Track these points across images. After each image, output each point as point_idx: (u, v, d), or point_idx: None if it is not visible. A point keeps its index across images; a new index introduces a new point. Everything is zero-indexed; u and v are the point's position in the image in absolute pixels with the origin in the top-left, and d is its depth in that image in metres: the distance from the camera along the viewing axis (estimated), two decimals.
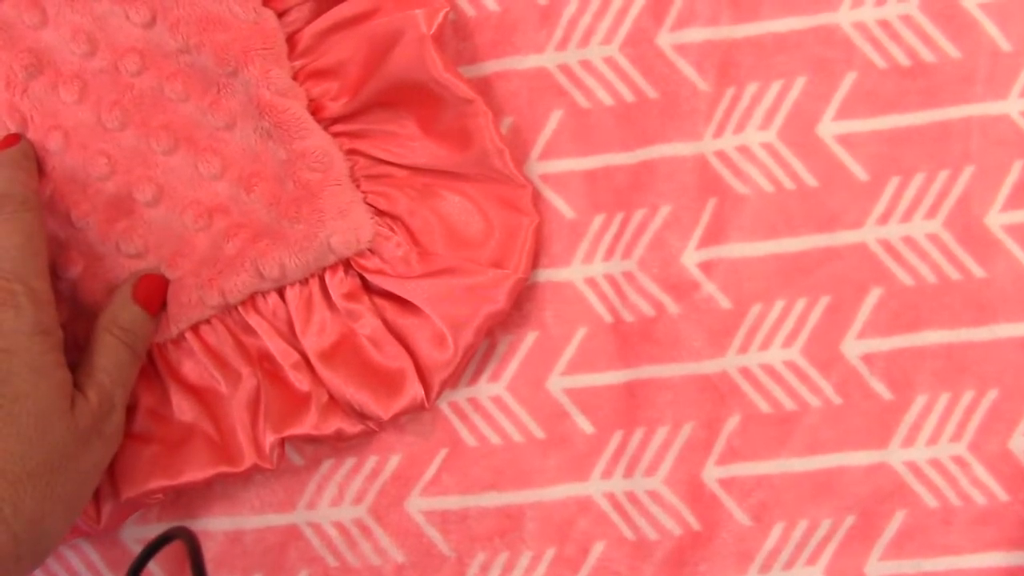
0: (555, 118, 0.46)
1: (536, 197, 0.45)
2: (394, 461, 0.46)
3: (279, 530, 0.46)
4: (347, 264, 0.44)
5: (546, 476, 0.45)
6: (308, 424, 0.44)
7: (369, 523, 0.46)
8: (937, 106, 0.45)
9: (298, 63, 0.44)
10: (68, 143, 0.44)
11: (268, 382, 0.44)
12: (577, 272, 0.46)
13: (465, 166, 0.44)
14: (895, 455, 0.44)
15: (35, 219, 0.41)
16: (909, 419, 0.44)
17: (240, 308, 0.44)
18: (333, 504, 0.46)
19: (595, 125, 0.46)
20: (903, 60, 0.45)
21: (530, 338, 0.46)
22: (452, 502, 0.46)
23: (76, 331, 0.44)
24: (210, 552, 0.46)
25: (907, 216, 0.45)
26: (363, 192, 0.44)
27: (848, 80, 0.45)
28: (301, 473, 0.46)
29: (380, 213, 0.44)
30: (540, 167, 0.46)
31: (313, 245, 0.43)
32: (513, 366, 0.46)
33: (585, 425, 0.46)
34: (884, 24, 0.45)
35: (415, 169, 0.44)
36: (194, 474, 0.44)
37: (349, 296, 0.44)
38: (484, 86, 0.46)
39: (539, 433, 0.46)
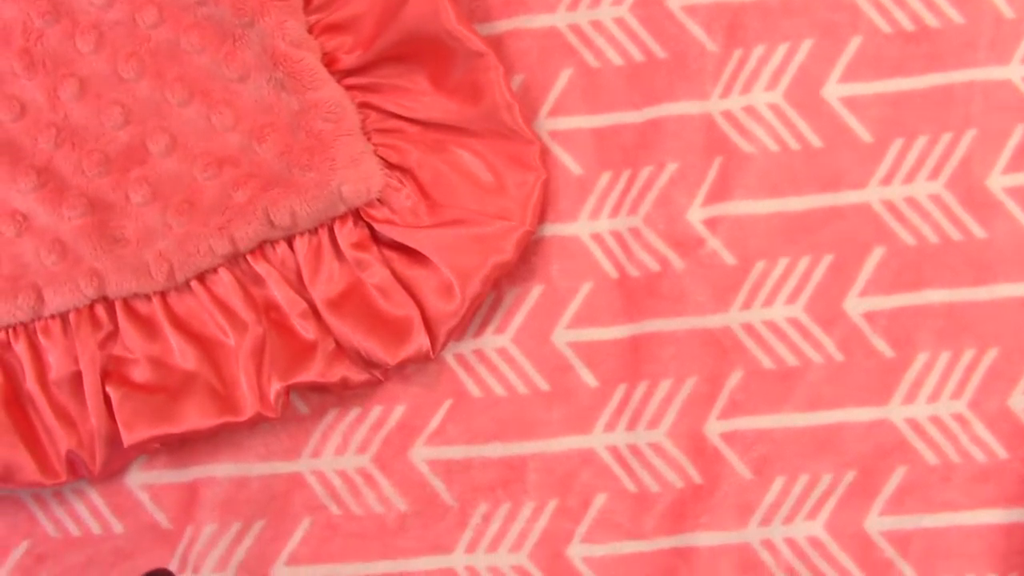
0: (565, 76, 0.45)
1: (544, 153, 0.44)
2: (399, 411, 0.45)
3: (283, 478, 0.45)
4: (356, 215, 0.43)
5: (549, 428, 0.44)
6: (314, 372, 0.43)
7: (373, 472, 0.45)
8: (940, 70, 0.44)
9: (313, 17, 0.43)
10: (83, 91, 0.43)
11: (274, 331, 0.43)
12: (584, 227, 0.45)
13: (475, 121, 0.43)
14: (896, 412, 0.43)
15: None
16: (910, 376, 0.43)
17: (249, 257, 0.43)
18: (337, 453, 0.45)
19: (604, 84, 0.45)
20: (908, 25, 0.44)
21: (536, 291, 0.45)
22: (456, 452, 0.44)
23: (75, 275, 0.43)
24: (216, 498, 0.45)
25: (910, 177, 0.44)
26: (374, 145, 0.43)
27: (853, 44, 0.44)
28: (306, 422, 0.45)
29: (390, 166, 0.43)
30: (549, 124, 0.45)
31: (324, 193, 0.42)
32: (519, 319, 0.45)
33: (589, 378, 0.44)
34: None
35: (426, 124, 0.43)
36: (197, 422, 0.43)
37: (358, 246, 0.43)
38: (496, 44, 0.46)
39: (543, 385, 0.44)
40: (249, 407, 0.43)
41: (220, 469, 0.45)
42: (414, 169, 0.43)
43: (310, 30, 0.43)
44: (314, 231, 0.43)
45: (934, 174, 0.44)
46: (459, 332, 0.44)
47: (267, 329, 0.43)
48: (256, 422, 0.43)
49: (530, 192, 0.43)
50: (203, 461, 0.45)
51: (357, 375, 0.43)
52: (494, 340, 0.45)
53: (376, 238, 0.44)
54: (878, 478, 0.43)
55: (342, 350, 0.43)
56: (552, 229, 0.45)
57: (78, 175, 0.43)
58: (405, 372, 0.45)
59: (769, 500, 0.43)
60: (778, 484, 0.43)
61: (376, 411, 0.45)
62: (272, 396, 0.43)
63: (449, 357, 0.45)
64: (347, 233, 0.43)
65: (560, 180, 0.45)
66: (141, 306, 0.43)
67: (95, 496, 0.45)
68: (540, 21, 0.45)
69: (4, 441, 0.43)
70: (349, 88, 0.43)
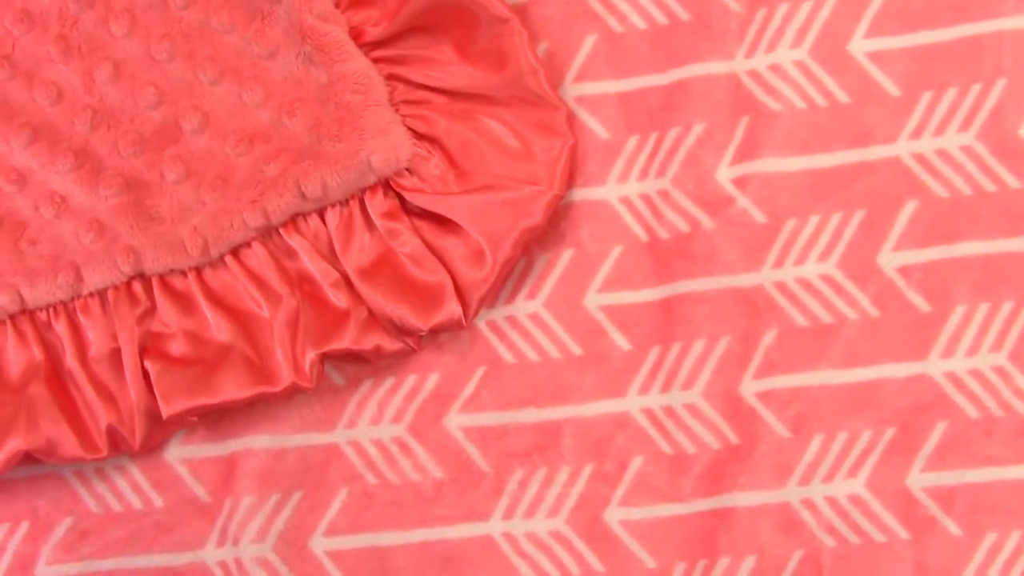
0: (589, 42, 0.45)
1: (571, 118, 0.43)
2: (433, 379, 0.44)
3: (320, 448, 0.44)
4: (386, 185, 0.43)
5: (583, 392, 0.43)
6: (347, 340, 0.43)
7: (408, 440, 0.44)
8: (967, 21, 0.43)
9: None
10: (118, 74, 0.43)
11: (308, 302, 0.43)
12: (612, 191, 0.44)
13: (501, 88, 0.43)
14: (935, 366, 0.42)
15: None
16: (948, 330, 0.42)
17: (281, 230, 0.43)
18: (373, 423, 0.44)
19: (628, 48, 0.45)
20: None
21: (566, 256, 0.44)
22: (490, 419, 0.44)
23: (113, 253, 0.43)
24: (254, 470, 0.44)
25: (940, 130, 0.43)
26: (402, 116, 0.43)
27: None
28: (341, 392, 0.45)
29: (419, 136, 0.43)
30: (575, 90, 0.45)
31: (354, 164, 0.42)
32: (550, 284, 0.44)
33: (622, 342, 0.44)
34: None
35: (452, 93, 0.43)
36: (233, 393, 0.43)
37: (388, 215, 0.43)
38: (520, 12, 0.45)
39: (576, 350, 0.44)
40: (284, 377, 0.43)
41: (257, 441, 0.45)
42: (442, 138, 0.43)
43: (336, 4, 0.43)
44: (345, 202, 0.43)
45: (965, 125, 0.43)
46: (491, 299, 0.43)
47: (301, 300, 0.43)
48: (291, 392, 0.43)
49: (558, 157, 0.43)
50: (240, 434, 0.45)
51: (391, 344, 0.43)
52: (526, 306, 0.44)
53: (406, 208, 0.43)
54: (918, 434, 0.42)
55: (375, 319, 0.43)
56: (580, 194, 0.44)
57: (114, 155, 0.43)
58: (438, 341, 0.45)
59: (808, 459, 0.42)
60: (816, 442, 0.42)
61: (410, 380, 0.45)
62: (307, 366, 0.43)
63: (481, 324, 0.45)
64: (377, 203, 0.43)
65: (587, 145, 0.45)
66: (177, 282, 0.43)
67: (135, 472, 0.45)
68: None
69: (47, 417, 0.43)
70: (376, 61, 0.43)
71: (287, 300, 0.43)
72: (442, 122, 0.43)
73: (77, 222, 0.43)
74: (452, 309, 0.42)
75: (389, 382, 0.45)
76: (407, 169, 0.43)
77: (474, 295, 0.43)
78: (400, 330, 0.43)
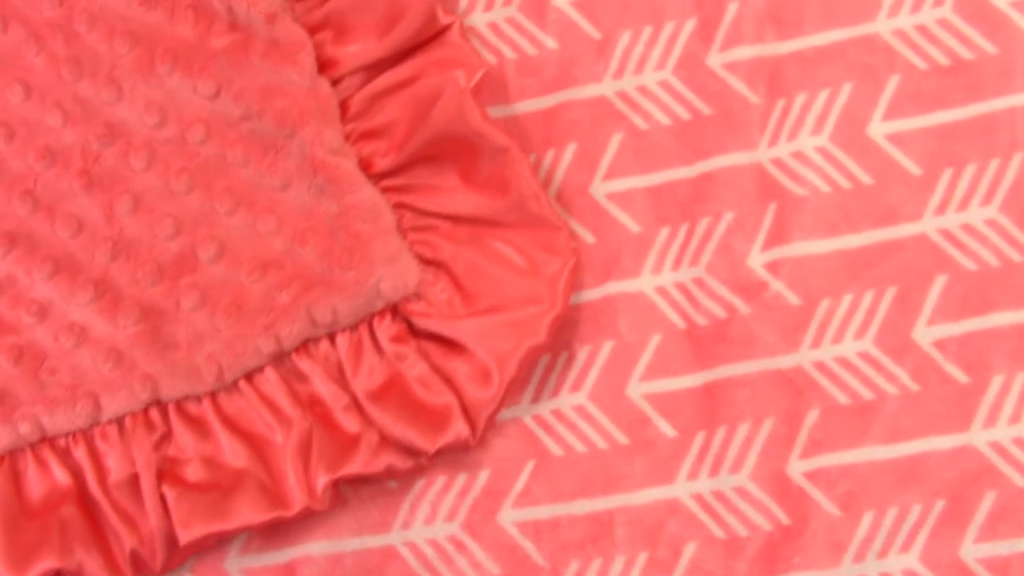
0: (616, 140, 0.46)
1: (572, 237, 0.44)
2: (483, 476, 0.45)
3: (377, 551, 0.45)
4: (394, 310, 0.44)
5: (633, 481, 0.44)
6: (358, 463, 0.43)
7: (463, 538, 0.44)
8: (981, 99, 0.44)
9: (350, 126, 0.45)
10: (137, 206, 0.45)
11: (319, 426, 0.44)
12: (647, 282, 0.45)
13: (504, 212, 0.44)
14: (978, 437, 0.42)
15: None
16: (988, 400, 0.42)
17: (294, 355, 0.44)
18: (427, 522, 0.44)
19: (654, 144, 0.46)
20: (943, 60, 0.44)
21: (607, 347, 0.45)
22: (543, 512, 0.44)
23: (131, 381, 0.44)
24: None
25: (963, 205, 0.43)
26: (409, 242, 0.44)
27: (892, 83, 0.44)
28: (394, 494, 0.45)
29: (426, 261, 0.44)
30: (605, 187, 0.46)
31: (363, 290, 0.43)
32: (593, 375, 0.45)
33: (667, 429, 0.44)
34: (921, 29, 0.45)
35: (458, 219, 0.44)
36: (248, 518, 0.43)
37: (396, 339, 0.44)
38: (548, 117, 0.47)
39: (623, 439, 0.44)
40: (298, 501, 0.43)
41: (315, 548, 0.45)
42: (448, 263, 0.44)
43: (347, 137, 0.45)
44: (354, 327, 0.44)
45: (987, 199, 0.43)
46: (495, 415, 0.44)
47: (312, 424, 0.43)
48: (305, 515, 0.43)
49: (560, 275, 0.43)
50: (298, 541, 0.45)
51: (402, 463, 0.43)
52: (570, 398, 0.45)
53: (414, 331, 0.44)
54: (968, 505, 0.42)
55: (385, 440, 0.43)
56: (617, 286, 0.45)
57: (132, 285, 0.44)
58: (487, 438, 0.45)
59: (860, 536, 0.42)
60: (867, 519, 0.42)
61: (461, 478, 0.45)
62: (320, 489, 0.43)
63: (528, 419, 0.45)
64: (386, 328, 0.44)
65: (620, 239, 0.45)
66: (192, 408, 0.44)
67: None
68: (588, 91, 0.46)
69: (78, 540, 0.43)
70: (385, 190, 0.45)
71: (299, 424, 0.43)
72: (448, 247, 0.44)
73: (96, 351, 0.44)
74: (459, 429, 0.43)
75: (441, 481, 0.45)
76: (415, 294, 0.44)
77: (481, 414, 0.43)
78: (409, 451, 0.43)
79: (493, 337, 0.43)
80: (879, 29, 0.45)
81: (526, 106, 0.47)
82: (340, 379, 0.44)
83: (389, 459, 0.43)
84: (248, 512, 0.43)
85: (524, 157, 0.43)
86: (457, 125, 0.43)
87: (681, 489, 0.43)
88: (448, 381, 0.43)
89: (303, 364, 0.44)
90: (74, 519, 0.43)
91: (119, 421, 0.44)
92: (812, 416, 0.43)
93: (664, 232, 0.45)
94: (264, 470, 0.43)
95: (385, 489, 0.45)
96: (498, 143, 0.43)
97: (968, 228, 0.43)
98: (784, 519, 0.43)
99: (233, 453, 0.44)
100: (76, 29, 0.45)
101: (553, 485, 0.44)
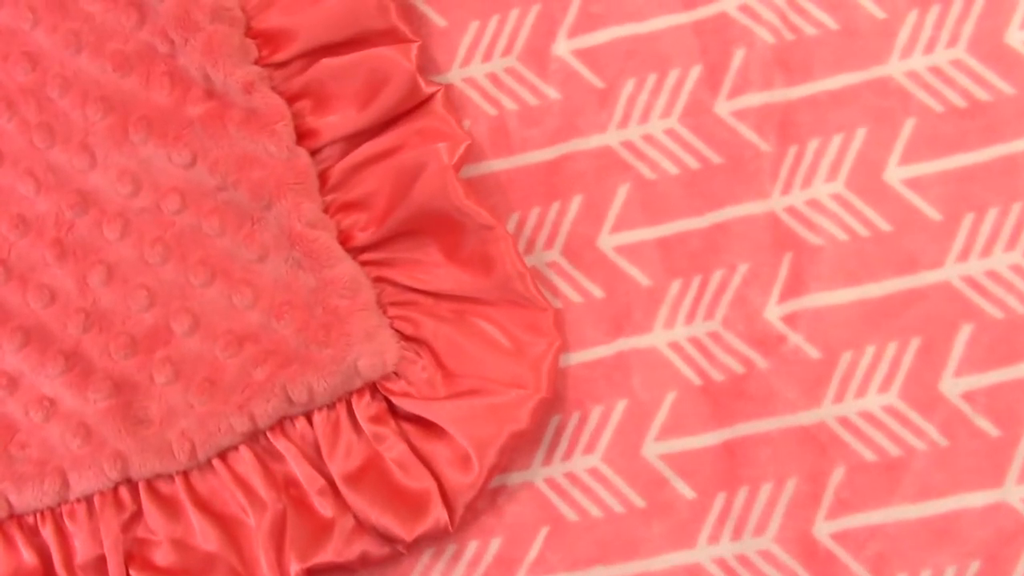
0: (623, 191, 0.44)
1: (558, 320, 0.42)
2: (495, 544, 0.42)
3: None
4: (373, 388, 0.42)
5: (652, 546, 0.41)
6: (331, 551, 0.41)
7: None
8: (1000, 141, 0.42)
9: (329, 197, 0.43)
10: (111, 277, 0.43)
11: (293, 509, 0.41)
12: (660, 337, 0.43)
13: (488, 291, 0.42)
14: (1012, 493, 0.40)
15: None
16: (1021, 454, 0.40)
17: (269, 433, 0.42)
18: None
19: (663, 194, 0.44)
20: (959, 102, 0.43)
21: (620, 407, 0.42)
22: None
23: (100, 458, 0.42)
24: None
25: (987, 250, 0.41)
26: (390, 318, 0.42)
27: (908, 126, 0.43)
28: (402, 563, 0.43)
29: (406, 338, 0.42)
30: (613, 240, 0.44)
31: (341, 368, 0.41)
32: (606, 436, 0.42)
33: (685, 490, 0.41)
34: (935, 70, 0.43)
35: (440, 295, 0.42)
36: None
37: (375, 419, 0.42)
38: (552, 168, 0.45)
39: (639, 502, 0.42)
40: None
41: None
42: (429, 340, 0.42)
43: (326, 209, 0.43)
44: (332, 406, 0.42)
45: (1011, 244, 0.41)
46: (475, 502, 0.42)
47: (287, 506, 0.41)
48: None
49: (546, 359, 0.41)
50: None
51: (378, 550, 0.41)
52: (584, 461, 0.42)
53: (393, 411, 0.42)
54: (1004, 565, 0.39)
55: (361, 527, 0.41)
56: (628, 343, 0.43)
57: (105, 357, 0.43)
58: (498, 503, 0.43)
59: None
60: None
61: (472, 546, 0.43)
62: None
63: (540, 482, 0.43)
64: (364, 407, 0.42)
65: (630, 293, 0.43)
66: (164, 486, 0.42)
67: None
68: (593, 142, 0.45)
69: None
70: (364, 264, 0.43)
71: (272, 506, 0.41)
72: (430, 323, 0.42)
73: (64, 426, 0.42)
74: (438, 516, 0.41)
75: (451, 549, 0.43)
76: (395, 373, 0.42)
77: (460, 500, 0.41)
78: (385, 538, 0.41)
79: (474, 422, 0.41)
80: (892, 71, 0.43)
81: (529, 158, 0.45)
82: (316, 459, 0.42)
83: (364, 546, 0.41)
84: None
85: (509, 235, 0.42)
86: (439, 201, 0.41)
87: (702, 554, 0.41)
88: (427, 463, 0.41)
89: (279, 443, 0.42)
90: None
91: (88, 499, 0.42)
92: (838, 474, 0.41)
93: (676, 285, 0.43)
94: (235, 554, 0.41)
95: (393, 556, 0.42)
96: (482, 220, 0.41)
97: (992, 275, 0.41)
98: None
99: (204, 536, 0.41)
100: (49, 94, 0.44)
101: (569, 552, 0.42)
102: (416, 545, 0.41)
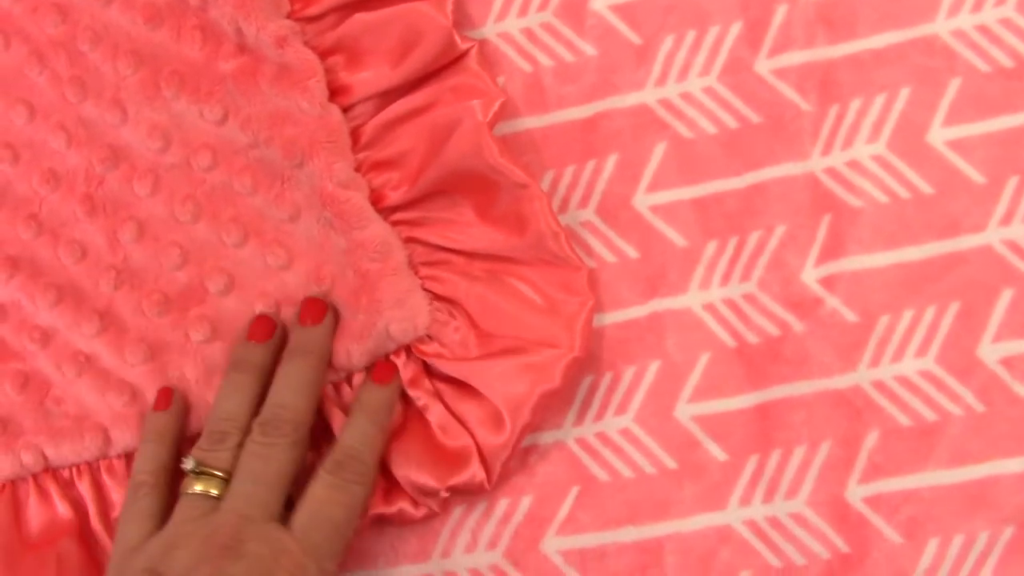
0: (659, 151, 0.43)
1: (592, 279, 0.41)
2: (526, 502, 0.42)
3: None
4: (408, 350, 0.41)
5: (683, 507, 0.41)
6: (375, 505, 0.41)
7: (505, 567, 0.42)
8: None
9: (361, 155, 0.42)
10: (142, 234, 0.42)
11: None
12: (695, 299, 0.42)
13: (522, 250, 0.41)
14: None
15: None
16: None
17: None
18: (467, 551, 0.42)
19: (700, 154, 0.43)
20: (1006, 62, 0.41)
21: (653, 368, 0.42)
22: (589, 540, 0.41)
23: (142, 417, 0.42)
24: None
25: None
26: (421, 278, 0.41)
27: (953, 86, 0.41)
28: (433, 522, 0.43)
29: (438, 298, 0.41)
30: (648, 199, 0.43)
31: (373, 333, 0.41)
32: (639, 397, 0.42)
33: (718, 452, 0.41)
34: (983, 29, 0.41)
35: (473, 255, 0.42)
36: None
37: (412, 381, 0.41)
38: (588, 126, 0.44)
39: (671, 463, 0.41)
40: None
41: None
42: (462, 300, 0.41)
43: (357, 167, 0.42)
44: (370, 368, 0.41)
45: None
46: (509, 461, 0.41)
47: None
48: None
49: (579, 318, 0.41)
50: None
51: (415, 510, 0.41)
52: (616, 422, 0.42)
53: (428, 371, 0.42)
54: None
55: (398, 483, 0.41)
56: (663, 303, 0.42)
57: (138, 316, 0.42)
58: (529, 462, 0.42)
59: (924, 565, 0.39)
60: (932, 547, 0.39)
61: (503, 504, 0.42)
62: None
63: (571, 443, 0.42)
64: (401, 368, 0.41)
65: (665, 254, 0.43)
66: None
67: None
68: (630, 100, 0.44)
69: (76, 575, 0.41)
70: (396, 223, 0.42)
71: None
72: (462, 283, 0.41)
73: (105, 384, 0.42)
74: (475, 472, 0.40)
75: (481, 507, 0.42)
76: (428, 335, 0.41)
77: (494, 460, 0.40)
78: (422, 492, 0.40)
79: (507, 381, 0.40)
80: (938, 30, 0.42)
81: (564, 115, 0.44)
82: None
83: (402, 503, 0.41)
84: None
85: (543, 194, 0.41)
86: (473, 160, 0.40)
87: (733, 515, 0.41)
88: (461, 423, 0.41)
89: (324, 407, 0.41)
90: (71, 554, 0.41)
91: (128, 455, 0.42)
92: (872, 438, 0.40)
93: (712, 246, 0.42)
94: None
95: (429, 516, 0.42)
96: (516, 179, 0.40)
97: None
98: (843, 547, 0.40)
99: None
100: (79, 48, 0.43)
101: (599, 512, 0.41)
102: (450, 501, 0.41)
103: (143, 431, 0.41)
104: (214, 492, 0.38)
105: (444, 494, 0.41)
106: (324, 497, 0.38)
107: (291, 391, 0.39)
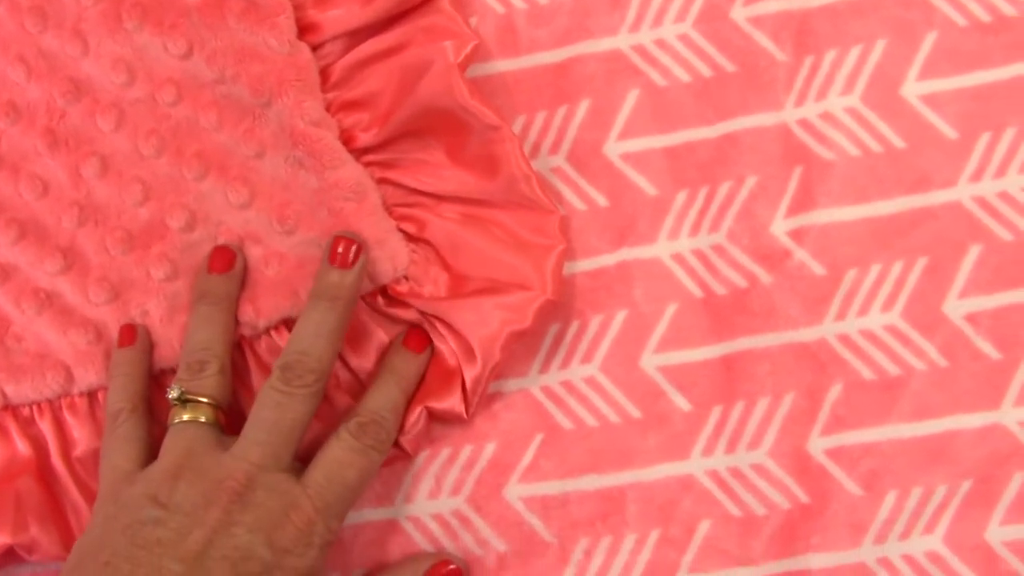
0: (632, 97, 0.42)
1: (564, 223, 0.41)
2: (489, 449, 0.41)
3: (378, 525, 0.42)
4: (383, 289, 0.41)
5: (645, 456, 0.41)
6: None
7: (468, 513, 0.41)
8: (1022, 59, 0.40)
9: (331, 95, 0.41)
10: (105, 169, 0.41)
11: None
12: (664, 248, 0.41)
13: (494, 193, 0.40)
14: (1009, 415, 0.39)
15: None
16: (1020, 377, 0.39)
17: (273, 332, 0.41)
18: (431, 496, 0.42)
19: (673, 102, 0.42)
20: (984, 16, 0.40)
21: (620, 317, 0.41)
22: (551, 487, 0.41)
23: (105, 355, 0.41)
24: None
25: (1001, 171, 0.40)
26: (395, 219, 0.41)
27: (929, 40, 0.41)
28: (396, 466, 0.42)
29: (412, 239, 0.41)
30: (620, 147, 0.42)
31: None
32: (605, 346, 0.41)
33: (682, 402, 0.41)
34: None
35: (445, 197, 0.41)
36: None
37: (388, 319, 0.41)
38: (560, 71, 0.43)
39: (635, 413, 0.41)
40: None
41: None
42: (435, 241, 0.41)
43: (327, 107, 0.41)
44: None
45: None
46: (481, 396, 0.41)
47: None
48: None
49: (550, 261, 0.40)
50: None
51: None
52: (581, 370, 0.42)
53: (403, 309, 0.41)
54: (996, 486, 0.39)
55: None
56: (632, 252, 0.42)
57: (101, 253, 0.41)
58: (493, 409, 0.42)
59: (882, 516, 0.39)
60: (891, 499, 0.39)
61: (467, 451, 0.42)
62: None
63: (536, 390, 0.42)
64: (384, 306, 0.41)
65: (635, 202, 0.42)
66: (167, 382, 0.41)
67: None
68: (603, 44, 0.42)
69: (34, 514, 0.40)
70: (367, 165, 0.41)
71: None
72: (435, 224, 0.41)
73: (68, 322, 0.41)
74: (456, 402, 0.40)
75: (445, 453, 0.42)
76: (404, 276, 0.40)
77: (473, 393, 0.40)
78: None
79: (478, 321, 0.40)
80: None
81: (536, 59, 0.43)
82: None
83: None
84: None
85: (515, 136, 0.40)
86: (444, 101, 0.39)
87: (696, 465, 0.41)
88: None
89: (280, 340, 0.40)
90: (31, 493, 0.40)
91: (91, 394, 0.41)
92: (835, 391, 0.40)
93: (682, 196, 0.42)
94: None
95: (398, 457, 0.42)
96: (488, 121, 0.39)
97: (1005, 196, 0.40)
98: (803, 497, 0.40)
99: None
100: None
101: (562, 459, 0.41)
102: (417, 446, 0.41)
103: (110, 368, 0.40)
104: (203, 419, 0.37)
105: (422, 422, 0.40)
106: (343, 459, 0.37)
107: (316, 338, 0.38)
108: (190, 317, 0.40)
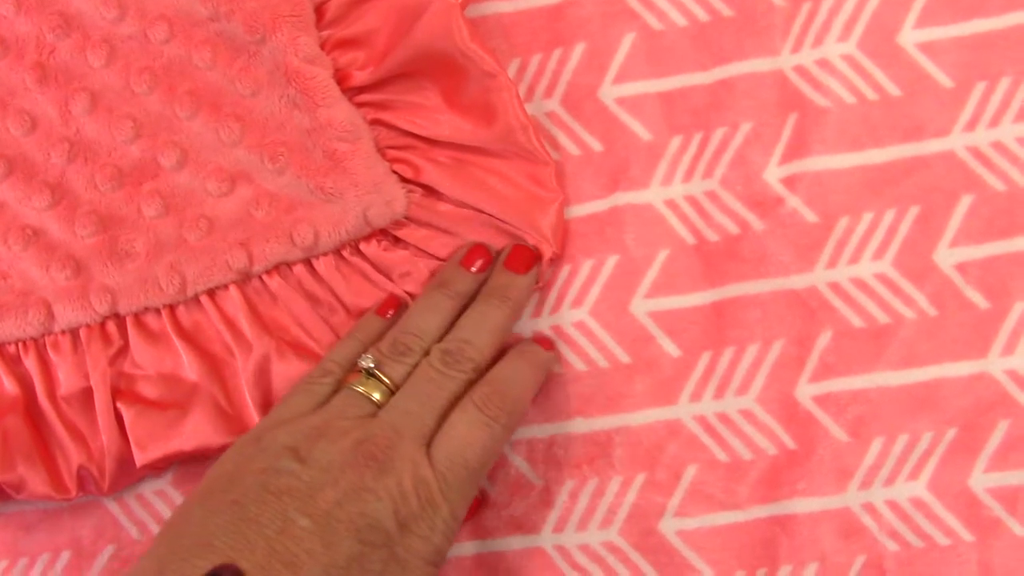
0: (628, 41, 0.41)
1: (559, 174, 0.40)
2: None
3: None
4: (381, 231, 0.40)
5: (633, 401, 0.40)
6: None
7: None
8: (1021, 8, 0.39)
9: (326, 32, 0.40)
10: (95, 105, 0.40)
11: (279, 353, 0.40)
12: (657, 194, 0.41)
13: (489, 141, 0.40)
14: (995, 364, 0.39)
15: None
16: (1008, 327, 0.39)
17: (264, 276, 0.40)
18: None
19: (669, 46, 0.41)
20: None
21: (611, 262, 0.41)
22: (538, 430, 0.41)
23: (87, 292, 0.40)
24: None
25: (995, 121, 0.39)
26: (388, 161, 0.40)
27: None
28: None
29: (407, 181, 0.40)
30: (614, 91, 0.41)
31: (348, 218, 0.39)
32: (595, 291, 0.41)
33: (671, 348, 0.40)
34: None
35: (439, 142, 0.40)
36: (207, 439, 0.40)
37: (383, 262, 0.40)
38: (555, 12, 0.42)
39: (624, 358, 0.40)
40: None
41: None
42: (432, 184, 0.40)
43: (322, 45, 0.40)
44: (336, 251, 0.40)
45: (1021, 115, 0.40)
46: None
47: (275, 351, 0.40)
48: None
49: (548, 215, 0.40)
50: None
51: None
52: (571, 314, 0.41)
53: (399, 247, 0.41)
54: (980, 434, 0.39)
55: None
56: (624, 197, 0.41)
57: (91, 189, 0.40)
58: None
59: (868, 462, 0.39)
60: (876, 445, 0.39)
61: None
62: None
63: (527, 334, 0.41)
64: (372, 250, 0.40)
65: (629, 147, 0.41)
66: (151, 321, 0.41)
67: (176, 496, 0.42)
68: None
69: (20, 454, 0.40)
70: (361, 105, 0.40)
71: (257, 349, 0.40)
72: (430, 168, 0.40)
73: (50, 258, 0.40)
74: None
75: None
76: (406, 218, 0.40)
77: None
78: None
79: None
80: None
81: (533, 1, 0.42)
82: (311, 304, 0.40)
83: None
84: (207, 433, 0.39)
85: (512, 84, 0.39)
86: (443, 43, 0.39)
87: (683, 411, 0.40)
88: None
89: (272, 283, 0.40)
90: (18, 431, 0.40)
91: (73, 332, 0.40)
92: (824, 339, 0.40)
93: (676, 141, 0.41)
94: (221, 392, 0.40)
95: None
96: (486, 67, 0.39)
97: (998, 146, 0.39)
98: (790, 443, 0.40)
99: (190, 367, 0.40)
100: None
101: (550, 403, 0.41)
102: None
103: (356, 326, 0.39)
104: (376, 396, 0.36)
105: None
106: (464, 436, 0.35)
107: (479, 330, 0.37)
108: (421, 296, 0.39)
